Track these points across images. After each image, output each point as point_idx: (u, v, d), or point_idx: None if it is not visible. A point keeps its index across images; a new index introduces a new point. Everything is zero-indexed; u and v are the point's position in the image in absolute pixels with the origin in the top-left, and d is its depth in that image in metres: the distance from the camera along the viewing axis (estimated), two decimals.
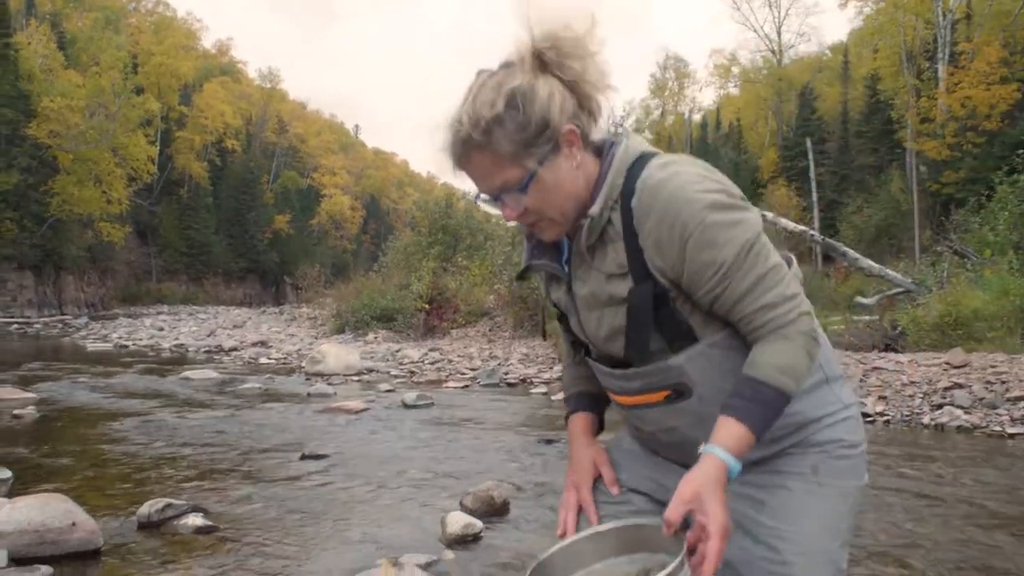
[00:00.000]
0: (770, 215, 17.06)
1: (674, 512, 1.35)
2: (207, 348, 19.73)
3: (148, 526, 4.29)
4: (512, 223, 1.54)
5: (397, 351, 16.82)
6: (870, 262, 16.26)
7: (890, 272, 16.32)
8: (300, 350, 17.97)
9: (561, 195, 1.47)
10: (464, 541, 4.11)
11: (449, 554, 3.90)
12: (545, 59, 1.43)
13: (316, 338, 21.82)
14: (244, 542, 4.11)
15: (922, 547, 4.04)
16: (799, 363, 1.39)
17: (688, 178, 1.41)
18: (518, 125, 1.40)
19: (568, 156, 1.46)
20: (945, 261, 16.60)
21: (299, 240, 79.67)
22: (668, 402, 1.54)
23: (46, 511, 3.78)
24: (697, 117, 69.89)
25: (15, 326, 32.03)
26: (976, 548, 4.04)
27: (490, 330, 19.14)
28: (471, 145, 1.43)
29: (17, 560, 3.58)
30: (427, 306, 19.88)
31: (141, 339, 23.43)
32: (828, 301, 20.80)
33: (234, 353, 18.38)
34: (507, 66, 1.45)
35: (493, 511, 4.64)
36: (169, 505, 4.45)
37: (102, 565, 3.72)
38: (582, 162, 1.48)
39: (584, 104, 1.48)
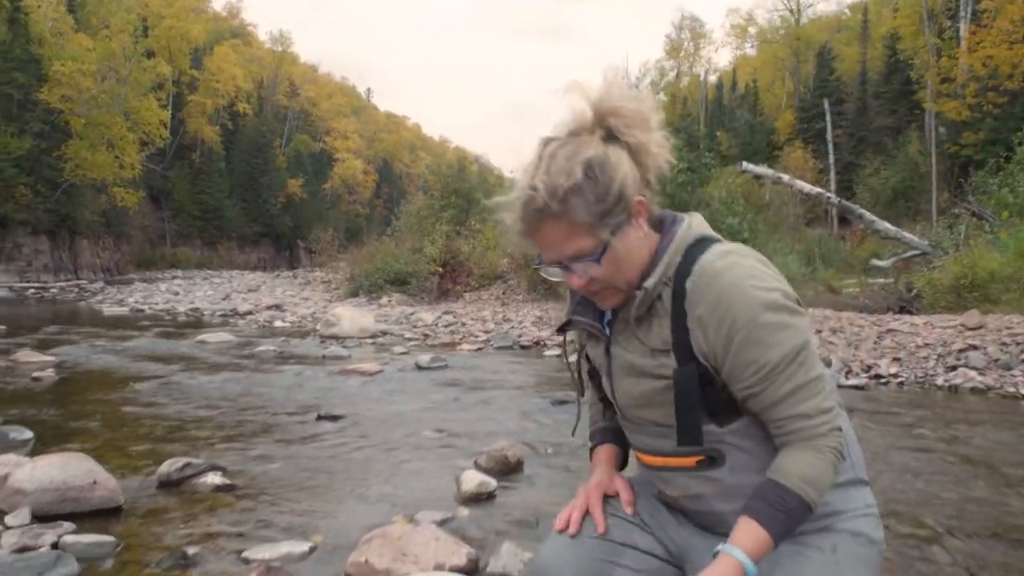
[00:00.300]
0: (786, 177, 16.93)
1: None
2: (222, 312, 19.86)
3: (168, 484, 4.36)
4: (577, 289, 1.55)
5: (411, 314, 16.88)
6: (886, 224, 16.14)
7: (906, 234, 16.19)
8: (314, 313, 18.06)
9: (630, 265, 1.48)
10: (479, 499, 4.16)
11: (464, 512, 3.94)
12: (611, 126, 1.44)
13: (330, 302, 21.91)
14: (262, 500, 4.16)
15: (935, 506, 4.05)
16: (825, 476, 1.42)
17: (747, 271, 1.43)
18: (596, 196, 1.41)
19: (636, 227, 1.48)
20: (962, 223, 16.43)
21: (312, 204, 79.66)
22: (699, 468, 1.54)
23: (67, 470, 3.84)
24: (713, 78, 69.04)
25: (32, 291, 32.31)
26: (989, 506, 4.05)
27: (503, 293, 19.16)
28: (547, 214, 1.43)
29: (40, 517, 3.64)
30: (440, 269, 19.89)
31: (157, 303, 23.60)
32: (843, 264, 20.70)
33: (249, 317, 18.49)
34: (575, 135, 1.46)
35: (507, 470, 4.68)
36: (188, 464, 4.51)
37: (123, 522, 3.77)
38: (647, 233, 1.51)
39: (643, 175, 1.49)
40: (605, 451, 1.78)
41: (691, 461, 1.53)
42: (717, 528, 1.57)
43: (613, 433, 1.79)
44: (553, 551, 1.62)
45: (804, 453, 1.41)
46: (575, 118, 1.46)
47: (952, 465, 4.93)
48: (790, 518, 1.39)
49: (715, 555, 1.40)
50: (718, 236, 1.53)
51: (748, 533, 1.39)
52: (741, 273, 1.41)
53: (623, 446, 1.79)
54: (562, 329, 1.73)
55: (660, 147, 1.48)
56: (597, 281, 1.48)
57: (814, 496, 1.40)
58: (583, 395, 1.81)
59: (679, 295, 1.45)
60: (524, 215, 1.45)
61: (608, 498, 1.70)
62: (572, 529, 1.60)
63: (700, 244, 1.48)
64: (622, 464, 1.79)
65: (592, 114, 1.45)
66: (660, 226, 1.54)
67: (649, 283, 1.46)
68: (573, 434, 1.89)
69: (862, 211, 16.58)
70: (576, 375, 1.78)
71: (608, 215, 1.42)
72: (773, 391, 1.41)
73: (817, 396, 1.43)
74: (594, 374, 1.74)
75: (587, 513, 1.65)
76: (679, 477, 1.58)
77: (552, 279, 1.55)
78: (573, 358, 1.81)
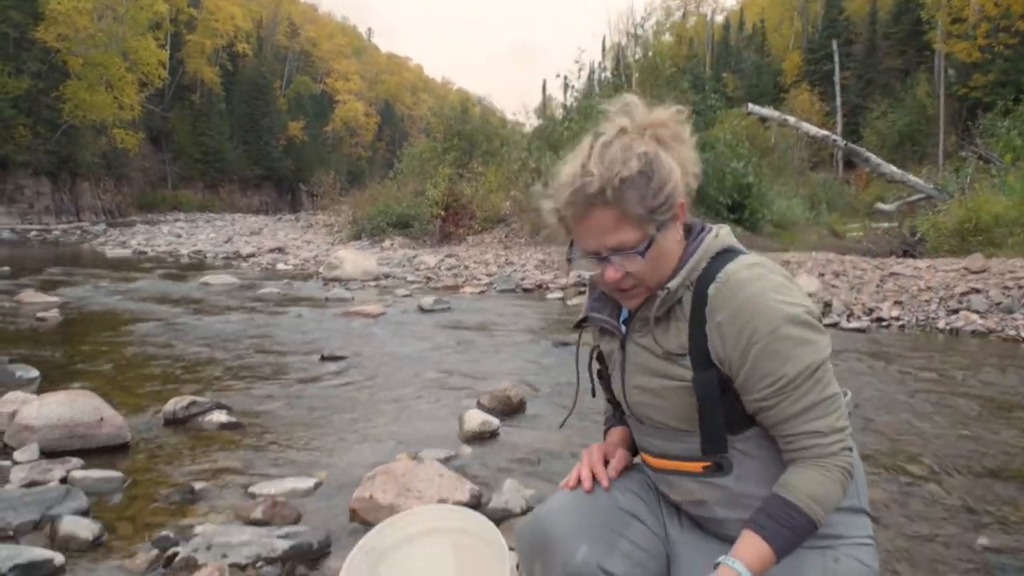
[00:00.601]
0: (792, 119, 16.74)
1: None
2: (225, 254, 19.87)
3: (174, 422, 4.40)
4: (608, 285, 1.53)
5: (413, 257, 16.87)
6: (892, 167, 16.02)
7: (912, 178, 16.08)
8: (317, 256, 18.06)
9: (666, 264, 1.49)
10: (481, 438, 4.20)
11: (467, 450, 3.99)
12: (659, 135, 1.47)
13: (333, 245, 21.90)
14: (267, 438, 4.21)
15: (933, 445, 4.09)
16: (833, 495, 1.42)
17: (773, 285, 1.43)
18: (651, 190, 1.42)
19: (675, 229, 1.50)
20: (969, 166, 16.30)
21: (314, 147, 78.99)
22: (706, 474, 1.54)
23: (74, 407, 3.88)
24: (720, 18, 67.86)
25: (34, 233, 32.29)
26: (986, 446, 4.09)
27: (506, 236, 19.11)
28: (599, 201, 1.43)
29: (48, 453, 3.70)
30: (443, 212, 19.81)
31: (159, 245, 23.60)
32: (848, 208, 20.61)
33: (252, 259, 18.50)
34: (624, 132, 1.47)
35: (510, 410, 4.73)
36: (194, 403, 4.55)
37: (131, 458, 3.83)
38: (681, 236, 1.53)
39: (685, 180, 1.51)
40: (617, 432, 1.79)
41: (698, 466, 1.54)
42: (717, 532, 1.58)
43: (624, 422, 1.80)
44: (559, 508, 1.62)
45: (813, 471, 1.42)
46: (625, 121, 1.48)
47: (951, 406, 4.97)
48: (795, 535, 1.40)
49: (716, 565, 1.41)
50: (744, 249, 1.55)
51: (751, 547, 1.40)
52: (766, 286, 1.42)
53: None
54: (579, 325, 1.73)
55: (693, 164, 1.51)
56: (631, 277, 1.48)
57: (820, 514, 1.41)
58: (593, 395, 1.79)
59: (700, 300, 1.46)
60: (574, 199, 1.45)
61: (625, 469, 1.72)
62: (586, 486, 1.62)
63: (727, 254, 1.50)
64: (632, 446, 1.78)
65: (639, 120, 1.48)
66: (688, 232, 1.56)
67: (673, 284, 1.47)
68: (561, 427, 1.92)
69: (868, 154, 16.41)
70: (590, 375, 1.76)
71: (658, 211, 1.43)
72: (787, 406, 1.42)
73: (831, 415, 1.43)
74: (603, 375, 1.73)
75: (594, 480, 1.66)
76: (684, 481, 1.58)
77: (583, 272, 1.56)
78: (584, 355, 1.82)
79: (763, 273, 1.44)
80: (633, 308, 1.56)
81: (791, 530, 1.39)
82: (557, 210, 1.49)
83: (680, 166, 1.48)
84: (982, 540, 2.88)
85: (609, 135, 1.47)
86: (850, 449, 1.44)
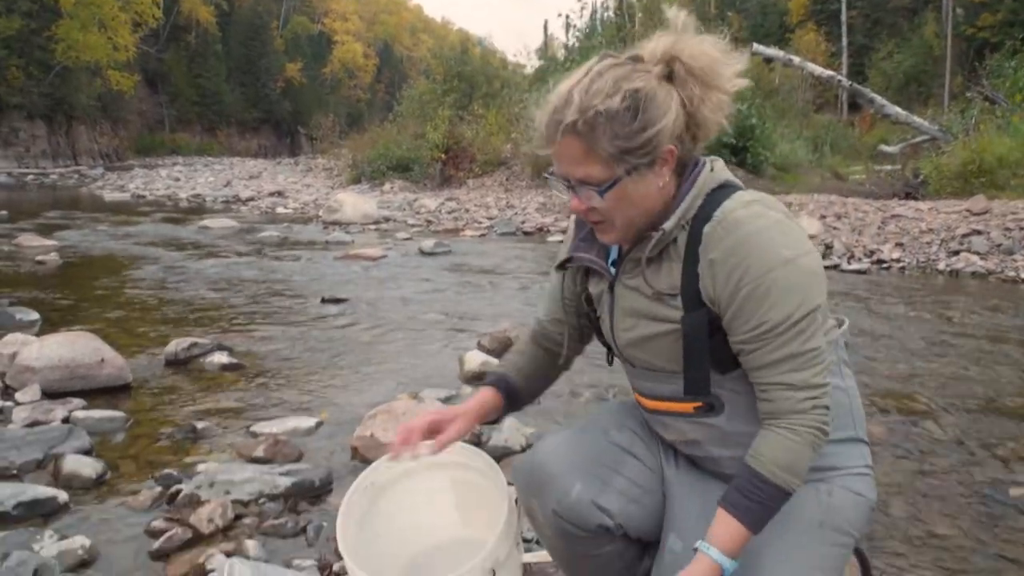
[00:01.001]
0: (797, 59, 16.49)
1: None
2: (224, 198, 19.77)
3: (175, 363, 4.42)
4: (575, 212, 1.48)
5: (414, 200, 16.79)
6: (897, 109, 15.83)
7: (916, 119, 15.89)
8: (317, 200, 17.97)
9: (635, 208, 1.42)
10: (482, 378, 4.20)
11: (467, 390, 4.01)
12: (674, 69, 1.37)
13: (332, 188, 21.77)
14: (268, 378, 4.23)
15: (930, 383, 4.11)
16: (801, 460, 1.36)
17: (770, 224, 1.35)
18: (627, 131, 1.34)
19: (656, 174, 1.40)
20: (974, 107, 16.09)
21: (312, 90, 78.07)
22: (697, 414, 1.51)
23: (75, 348, 3.88)
24: None
25: (31, 177, 32.09)
26: (982, 384, 4.11)
27: (507, 179, 18.98)
28: (571, 129, 1.36)
29: (49, 394, 3.71)
30: (443, 156, 19.66)
31: (158, 189, 23.47)
32: (851, 150, 20.43)
33: (251, 203, 18.42)
34: (635, 60, 1.39)
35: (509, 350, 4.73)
36: (195, 344, 4.56)
37: (132, 399, 3.85)
38: (667, 182, 1.43)
39: (691, 128, 1.42)
40: (481, 394, 1.70)
41: (689, 407, 1.51)
42: (713, 470, 1.57)
43: (503, 381, 1.71)
44: (553, 446, 1.61)
45: (781, 435, 1.36)
46: (651, 48, 1.39)
47: (948, 345, 4.98)
48: (765, 508, 1.36)
49: (694, 551, 1.39)
50: (739, 182, 1.48)
51: (724, 529, 1.36)
52: (763, 225, 1.35)
53: (509, 393, 1.71)
54: (563, 266, 1.66)
55: (716, 109, 1.41)
56: (596, 212, 1.43)
57: (790, 481, 1.35)
58: (580, 341, 1.73)
59: (695, 239, 1.40)
60: (549, 121, 1.39)
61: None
62: (396, 453, 1.59)
63: (723, 190, 1.42)
64: (494, 411, 1.71)
65: (662, 49, 1.38)
66: (683, 170, 1.47)
67: (667, 225, 1.40)
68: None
69: (873, 95, 16.20)
70: (575, 318, 1.70)
71: (630, 154, 1.35)
72: (765, 353, 1.36)
73: (809, 369, 1.35)
74: (591, 318, 1.67)
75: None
76: (677, 422, 1.56)
77: (557, 192, 1.50)
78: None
79: (761, 211, 1.37)
80: (608, 243, 1.51)
81: (761, 504, 1.35)
82: (538, 123, 1.44)
83: (692, 112, 1.39)
84: (977, 474, 2.91)
85: (611, 61, 1.40)
86: (825, 407, 1.36)
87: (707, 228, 1.38)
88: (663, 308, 1.45)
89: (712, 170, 1.45)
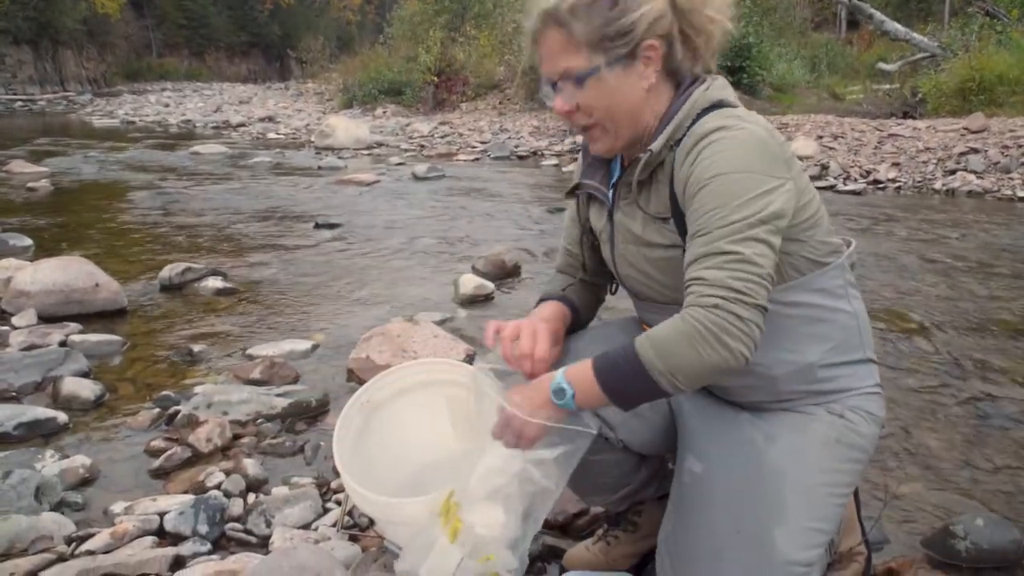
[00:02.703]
0: None
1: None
2: (214, 124, 19.47)
3: (170, 288, 4.42)
4: (560, 118, 1.45)
5: (406, 125, 16.57)
6: (896, 25, 15.53)
7: (916, 35, 15.60)
8: (308, 125, 17.71)
9: (618, 107, 1.38)
10: (476, 301, 4.23)
11: (462, 312, 4.02)
12: None
13: (324, 113, 21.43)
14: (263, 303, 4.24)
15: (924, 302, 4.14)
16: (675, 345, 1.22)
17: (744, 134, 1.29)
18: (604, 18, 1.32)
19: (641, 73, 1.36)
20: (975, 23, 15.78)
21: (301, 11, 76.01)
22: None
23: (69, 272, 3.87)
24: None
25: (19, 103, 31.55)
26: (975, 301, 4.13)
27: (500, 103, 18.72)
28: (551, 18, 1.34)
29: (45, 319, 3.72)
30: (435, 79, 19.32)
31: (147, 115, 23.10)
32: (849, 69, 20.12)
33: (242, 128, 18.15)
34: None
35: (504, 273, 4.74)
36: (189, 269, 4.55)
37: (128, 323, 3.86)
38: (655, 88, 1.38)
39: (687, 32, 1.37)
40: (546, 307, 1.64)
41: None
42: (723, 396, 1.55)
43: (566, 299, 1.68)
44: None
45: (670, 321, 1.26)
46: None
47: (942, 263, 4.99)
48: (619, 373, 1.28)
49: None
50: (736, 101, 1.40)
51: (580, 366, 1.33)
52: (735, 134, 1.29)
53: (572, 307, 1.66)
54: (572, 192, 1.64)
55: (717, 13, 1.37)
56: (581, 113, 1.40)
57: (651, 356, 1.23)
58: (584, 269, 1.68)
59: (678, 158, 1.35)
60: (532, 12, 1.38)
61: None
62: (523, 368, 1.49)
63: (716, 109, 1.36)
64: (562, 321, 1.63)
65: None
66: (678, 86, 1.42)
67: (655, 146, 1.36)
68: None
69: (873, 11, 15.85)
70: (580, 246, 1.66)
71: (608, 41, 1.32)
72: (694, 247, 1.27)
73: (730, 271, 1.21)
74: (596, 247, 1.64)
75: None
76: None
77: (546, 100, 1.46)
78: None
79: (736, 123, 1.31)
80: (600, 152, 1.48)
81: (615, 361, 1.28)
82: (526, 28, 1.42)
83: (687, 12, 1.35)
84: (968, 389, 2.95)
85: None
86: (734, 315, 1.20)
87: (681, 143, 1.35)
88: (656, 234, 1.42)
89: (708, 89, 1.40)
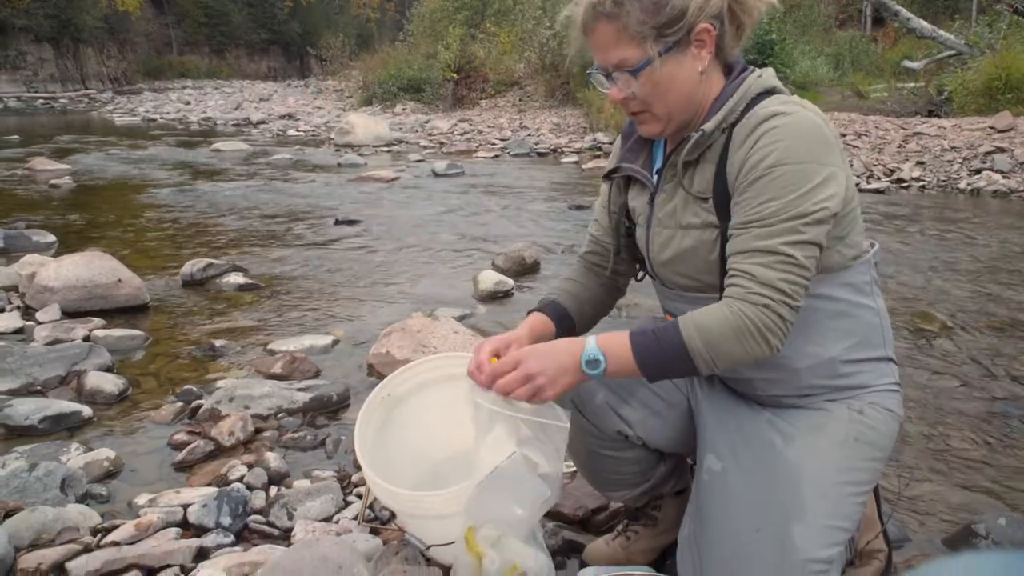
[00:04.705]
0: None
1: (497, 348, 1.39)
2: (235, 121, 19.61)
3: (191, 284, 4.45)
4: (616, 103, 1.42)
5: (426, 122, 16.61)
6: (922, 22, 15.33)
7: (942, 33, 15.41)
8: (328, 122, 17.80)
9: (674, 93, 1.37)
10: (496, 297, 4.23)
11: (481, 308, 4.03)
12: None
13: (343, 110, 21.52)
14: (284, 298, 4.26)
15: (947, 302, 4.10)
16: (721, 333, 1.26)
17: (800, 121, 1.30)
18: (654, 4, 1.30)
19: (695, 57, 1.36)
20: (1003, 21, 15.57)
21: (321, 9, 76.32)
22: None
23: (92, 268, 3.91)
24: None
25: (41, 101, 31.89)
26: (999, 303, 4.09)
27: (520, 100, 18.71)
28: (601, 12, 1.33)
29: (69, 314, 3.76)
30: (455, 76, 19.34)
31: (168, 113, 23.29)
32: (873, 67, 19.92)
33: (262, 126, 18.27)
34: None
35: (524, 270, 4.74)
36: (211, 264, 4.59)
37: (151, 318, 3.89)
38: (708, 71, 1.38)
39: (735, 11, 1.36)
40: (532, 319, 1.61)
41: None
42: (746, 391, 1.55)
43: (554, 307, 1.64)
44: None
45: (716, 307, 1.29)
46: None
47: (967, 264, 4.94)
48: (659, 346, 1.29)
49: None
50: (786, 90, 1.42)
51: (614, 335, 1.33)
52: (793, 120, 1.29)
53: (560, 318, 1.62)
54: (609, 175, 1.62)
55: None
56: (636, 100, 1.39)
57: (697, 343, 1.27)
58: (618, 253, 1.64)
59: (729, 140, 1.35)
60: (584, 9, 1.36)
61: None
62: (480, 381, 1.42)
63: (768, 95, 1.37)
64: (547, 336, 1.58)
65: None
66: (730, 72, 1.42)
67: (708, 126, 1.36)
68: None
69: (898, 8, 15.67)
70: (615, 232, 1.63)
71: (662, 30, 1.31)
72: (745, 240, 1.29)
73: (781, 273, 1.25)
74: (630, 232, 1.62)
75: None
76: None
77: (600, 88, 1.45)
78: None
79: (796, 109, 1.32)
80: (648, 135, 1.48)
81: (658, 341, 1.29)
82: (574, 18, 1.40)
83: None
84: (992, 390, 2.92)
85: None
86: (778, 316, 1.26)
87: (738, 126, 1.35)
88: (692, 214, 1.42)
89: (760, 76, 1.41)
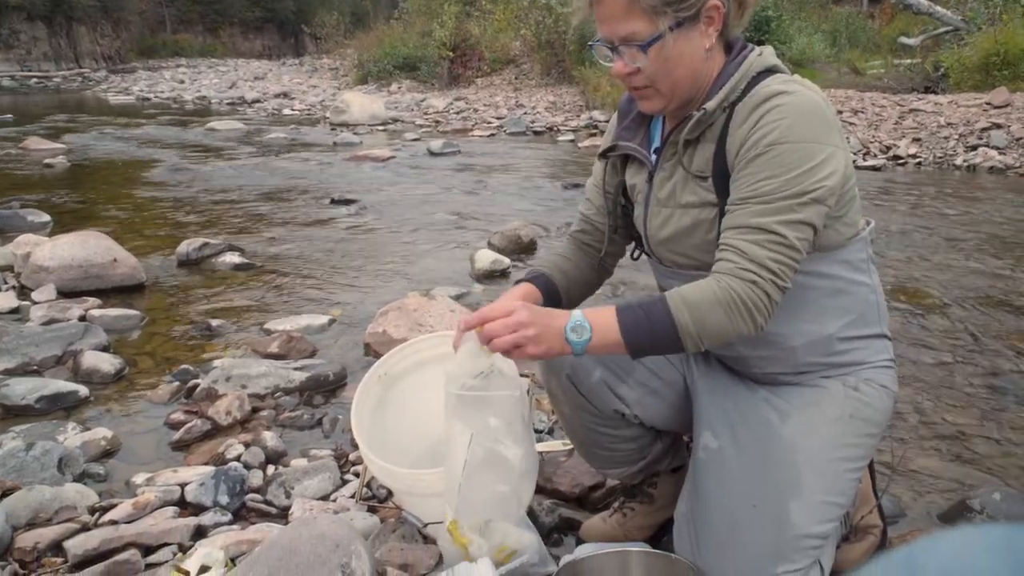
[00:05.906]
0: None
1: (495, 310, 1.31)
2: (230, 100, 19.48)
3: (187, 263, 4.44)
4: (618, 78, 1.40)
5: (422, 101, 16.52)
6: None
7: (939, 8, 15.33)
8: (323, 101, 17.69)
9: (681, 70, 1.36)
10: (492, 276, 4.23)
11: (478, 287, 4.03)
12: None
13: (339, 89, 21.37)
14: (280, 278, 4.26)
15: (942, 278, 4.10)
16: (708, 308, 1.26)
17: (801, 100, 1.29)
18: None
19: (703, 34, 1.34)
20: None
21: None
22: None
23: (87, 248, 3.90)
24: None
25: (34, 80, 31.67)
26: (993, 279, 4.09)
27: (516, 78, 18.60)
28: None
29: (65, 293, 3.75)
30: (451, 54, 19.20)
31: (163, 92, 23.13)
32: (870, 44, 19.83)
33: (257, 105, 18.16)
34: None
35: (520, 249, 4.73)
36: (206, 244, 4.57)
37: (147, 298, 3.88)
38: (713, 49, 1.37)
39: None
40: (522, 288, 1.59)
41: None
42: (743, 370, 1.55)
43: (542, 279, 1.61)
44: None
45: (704, 282, 1.29)
46: None
47: (962, 240, 4.94)
48: (649, 320, 1.28)
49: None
50: (786, 69, 1.41)
51: (602, 310, 1.31)
52: (795, 100, 1.29)
53: (547, 290, 1.60)
54: (605, 154, 1.60)
55: None
56: (641, 76, 1.37)
57: (685, 317, 1.26)
58: (614, 232, 1.63)
59: (730, 118, 1.35)
60: None
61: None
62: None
63: (769, 74, 1.37)
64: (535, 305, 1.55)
65: None
66: (730, 51, 1.41)
67: (709, 105, 1.35)
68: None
69: None
70: (611, 210, 1.62)
71: (675, 4, 1.29)
72: (739, 216, 1.28)
73: (771, 252, 1.25)
74: (627, 211, 1.62)
75: None
76: None
77: (602, 61, 1.43)
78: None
79: (798, 89, 1.32)
80: (650, 111, 1.47)
81: (647, 315, 1.28)
82: None
83: None
84: (986, 365, 2.93)
85: None
86: (764, 293, 1.26)
87: (739, 105, 1.34)
88: (691, 193, 1.42)
89: (761, 55, 1.40)
